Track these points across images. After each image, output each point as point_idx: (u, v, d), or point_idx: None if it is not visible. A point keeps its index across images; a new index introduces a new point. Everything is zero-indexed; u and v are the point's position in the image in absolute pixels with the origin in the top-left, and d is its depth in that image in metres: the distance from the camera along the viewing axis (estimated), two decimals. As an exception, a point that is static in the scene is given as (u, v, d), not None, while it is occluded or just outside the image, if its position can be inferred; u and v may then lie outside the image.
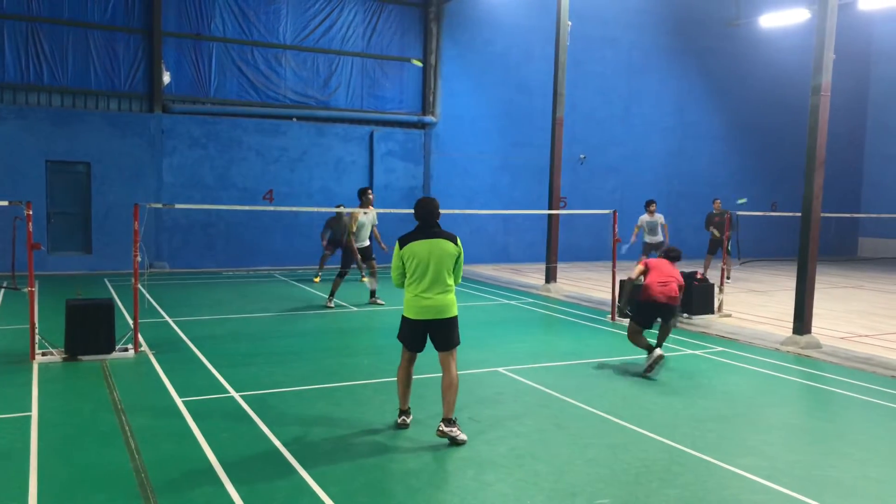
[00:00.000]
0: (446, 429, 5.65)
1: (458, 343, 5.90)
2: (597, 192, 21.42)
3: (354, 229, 12.25)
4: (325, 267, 16.24)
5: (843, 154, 24.81)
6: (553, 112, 14.80)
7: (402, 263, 5.82)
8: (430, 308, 5.75)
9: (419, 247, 5.75)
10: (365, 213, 12.25)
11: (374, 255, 12.84)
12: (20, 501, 4.56)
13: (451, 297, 5.84)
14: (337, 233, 15.21)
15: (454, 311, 5.85)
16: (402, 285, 5.91)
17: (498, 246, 20.55)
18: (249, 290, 14.10)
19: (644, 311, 8.32)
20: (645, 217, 15.98)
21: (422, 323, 5.81)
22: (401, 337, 6.00)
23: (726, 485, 5.07)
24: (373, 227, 12.76)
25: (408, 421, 6.11)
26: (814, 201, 9.79)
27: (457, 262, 5.86)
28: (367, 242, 12.70)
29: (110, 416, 6.25)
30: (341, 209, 13.83)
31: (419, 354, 6.06)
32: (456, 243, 5.85)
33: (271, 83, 18.01)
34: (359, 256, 12.48)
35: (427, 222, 5.85)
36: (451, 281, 5.82)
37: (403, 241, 5.83)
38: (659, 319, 8.42)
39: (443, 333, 5.83)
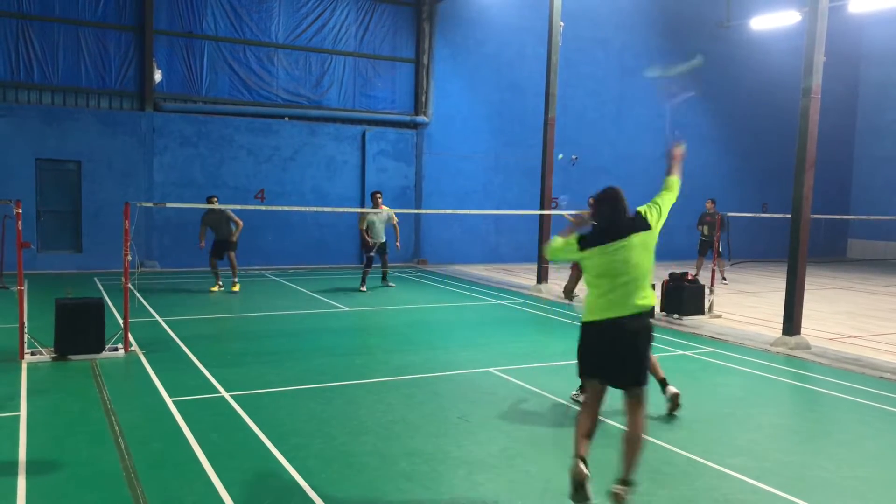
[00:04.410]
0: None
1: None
2: (588, 192, 21.33)
3: (365, 227, 14.10)
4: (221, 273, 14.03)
5: (832, 156, 24.95)
6: (545, 112, 14.82)
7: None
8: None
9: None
10: (377, 213, 14.07)
11: (387, 251, 14.60)
12: (9, 501, 4.54)
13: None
14: (220, 232, 13.49)
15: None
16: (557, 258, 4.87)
17: (489, 246, 20.56)
18: (240, 290, 14.03)
19: None
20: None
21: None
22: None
23: (716, 485, 5.09)
24: (393, 224, 14.35)
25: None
26: (803, 203, 9.84)
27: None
28: (384, 238, 14.34)
29: (100, 416, 6.22)
30: (215, 203, 13.20)
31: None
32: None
33: (263, 82, 17.97)
34: (369, 242, 14.19)
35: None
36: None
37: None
38: None
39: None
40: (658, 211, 4.75)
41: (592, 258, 4.54)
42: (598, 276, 4.52)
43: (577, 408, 6.35)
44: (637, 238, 4.52)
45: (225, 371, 7.83)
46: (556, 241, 4.79)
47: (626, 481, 4.47)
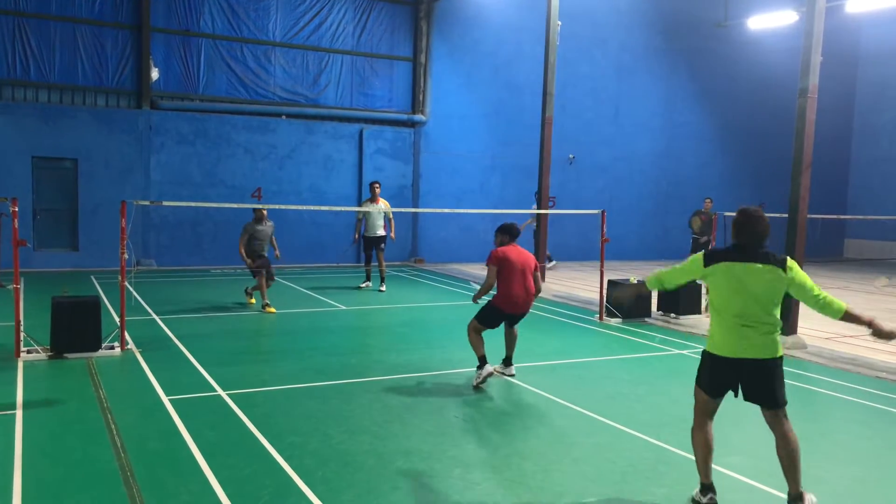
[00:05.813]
0: None
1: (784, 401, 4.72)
2: (585, 191, 21.47)
3: (361, 216, 14.11)
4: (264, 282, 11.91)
5: (829, 156, 24.98)
6: (542, 112, 14.83)
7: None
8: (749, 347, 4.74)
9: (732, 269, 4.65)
10: (376, 206, 13.79)
11: (384, 246, 14.15)
12: (4, 500, 4.53)
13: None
14: (262, 249, 11.85)
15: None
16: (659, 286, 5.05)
17: (487, 245, 20.38)
18: (237, 289, 14.02)
19: (497, 315, 7.69)
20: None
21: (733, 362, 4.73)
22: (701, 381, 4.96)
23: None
24: (389, 217, 14.12)
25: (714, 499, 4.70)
26: (800, 203, 9.87)
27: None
28: (380, 232, 13.99)
29: (96, 415, 6.22)
30: (265, 216, 11.92)
31: None
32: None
33: (260, 80, 17.94)
34: (355, 237, 14.50)
35: (754, 241, 4.76)
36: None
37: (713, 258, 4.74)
38: (505, 323, 7.83)
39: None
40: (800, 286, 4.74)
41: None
42: None
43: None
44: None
45: (221, 369, 7.83)
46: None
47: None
